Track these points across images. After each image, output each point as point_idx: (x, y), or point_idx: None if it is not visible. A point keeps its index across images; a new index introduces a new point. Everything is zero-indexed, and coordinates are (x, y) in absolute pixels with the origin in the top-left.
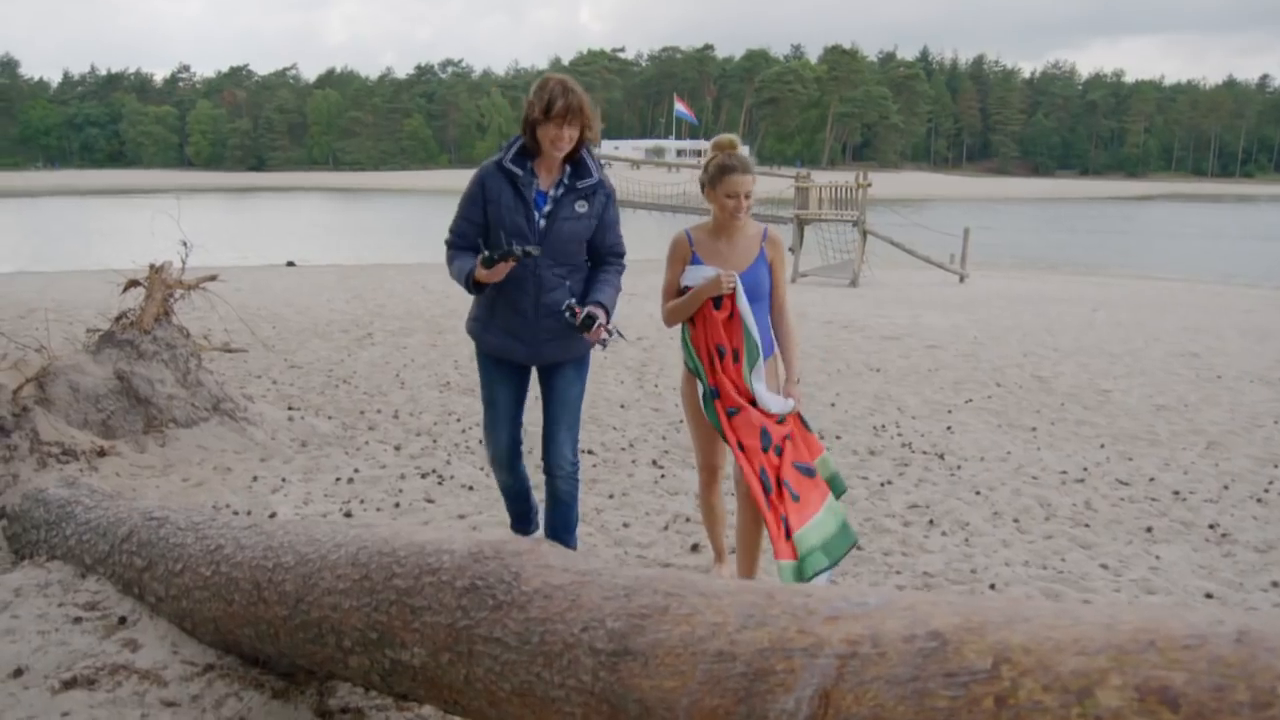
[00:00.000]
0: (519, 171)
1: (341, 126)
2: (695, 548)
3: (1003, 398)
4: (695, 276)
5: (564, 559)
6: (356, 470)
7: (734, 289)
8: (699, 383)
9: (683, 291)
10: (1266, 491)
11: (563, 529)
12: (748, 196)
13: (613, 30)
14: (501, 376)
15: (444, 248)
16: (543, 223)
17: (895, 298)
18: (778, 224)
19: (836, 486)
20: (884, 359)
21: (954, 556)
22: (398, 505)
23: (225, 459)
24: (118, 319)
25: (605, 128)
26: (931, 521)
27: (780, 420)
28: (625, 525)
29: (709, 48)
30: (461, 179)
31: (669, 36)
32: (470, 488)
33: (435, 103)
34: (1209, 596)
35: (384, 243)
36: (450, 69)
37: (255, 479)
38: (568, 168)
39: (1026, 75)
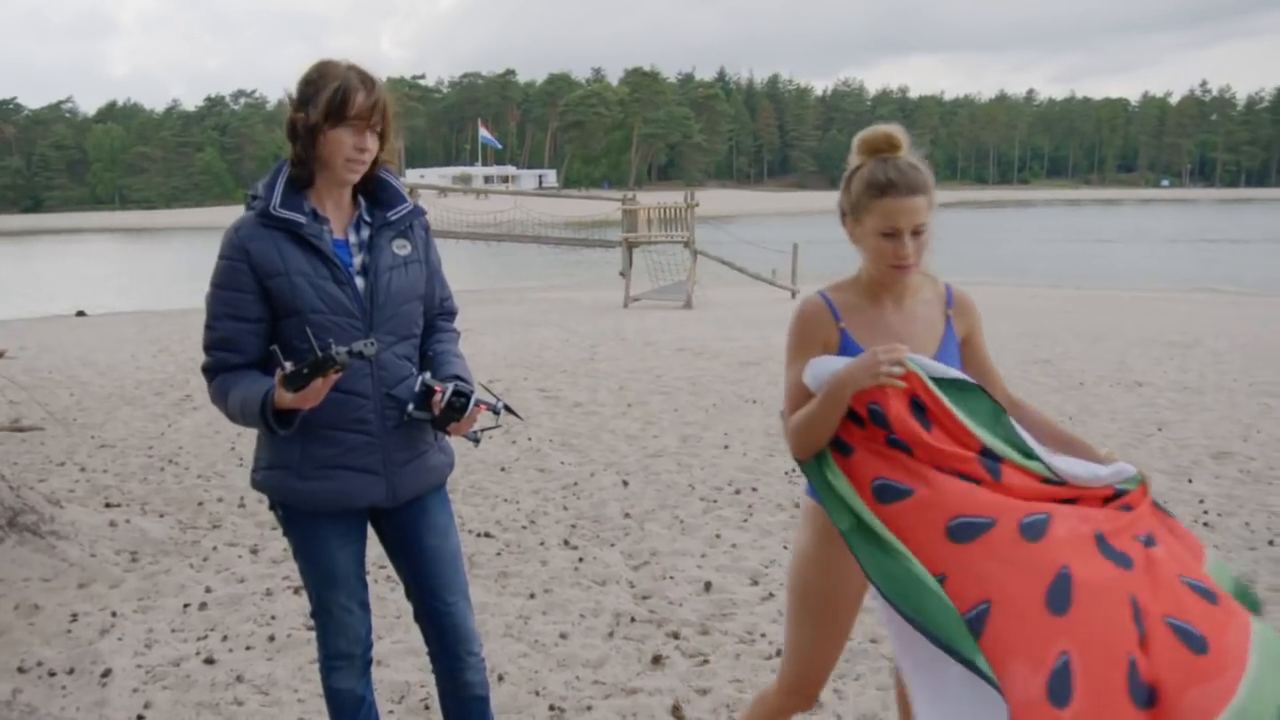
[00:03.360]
0: (299, 218)
1: (127, 162)
2: (657, 660)
3: None
4: (826, 368)
5: None
6: (209, 589)
7: (902, 370)
8: (855, 543)
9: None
10: (1203, 506)
11: None
12: (917, 233)
13: (414, 58)
14: (343, 540)
15: (205, 375)
16: (361, 283)
17: (736, 318)
18: (605, 248)
19: (1248, 600)
20: (754, 388)
21: None
22: (272, 639)
23: (30, 592)
24: None
25: (409, 156)
26: None
27: (1119, 499)
28: (563, 637)
29: (511, 73)
30: None
31: (472, 63)
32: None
33: (229, 135)
34: None
35: (184, 286)
36: (243, 99)
37: (75, 617)
38: (361, 199)
39: (819, 93)
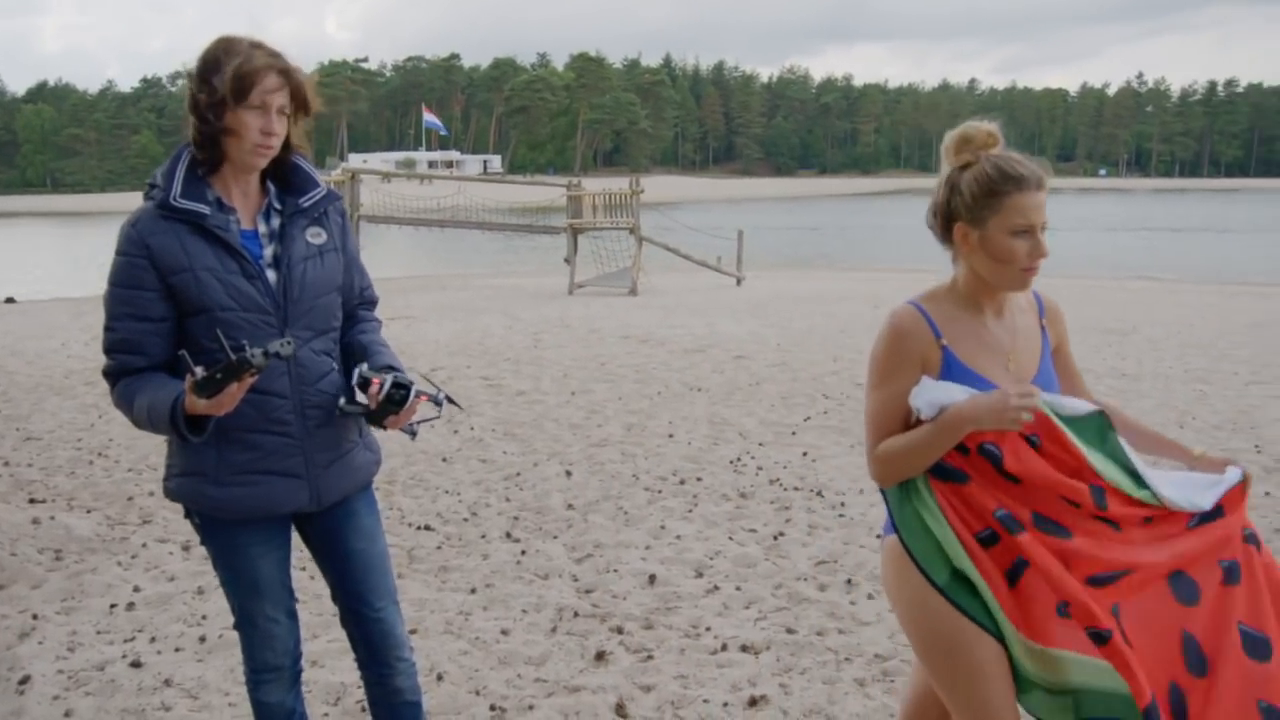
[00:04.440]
0: (203, 209)
1: (59, 145)
2: (601, 656)
3: (838, 412)
4: (941, 395)
5: None
6: (137, 589)
7: (1032, 417)
8: (957, 597)
9: (916, 423)
10: None
11: None
12: (1041, 230)
13: (359, 40)
14: (265, 548)
15: (107, 380)
16: (273, 276)
17: (681, 305)
18: (550, 234)
19: None
20: (699, 376)
21: (893, 626)
22: (203, 640)
23: None
24: None
25: (352, 140)
26: (849, 581)
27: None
28: (504, 633)
29: (455, 57)
30: None
31: (416, 46)
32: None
33: (167, 118)
34: None
35: None
36: (181, 81)
37: None
38: (270, 185)
39: (765, 80)
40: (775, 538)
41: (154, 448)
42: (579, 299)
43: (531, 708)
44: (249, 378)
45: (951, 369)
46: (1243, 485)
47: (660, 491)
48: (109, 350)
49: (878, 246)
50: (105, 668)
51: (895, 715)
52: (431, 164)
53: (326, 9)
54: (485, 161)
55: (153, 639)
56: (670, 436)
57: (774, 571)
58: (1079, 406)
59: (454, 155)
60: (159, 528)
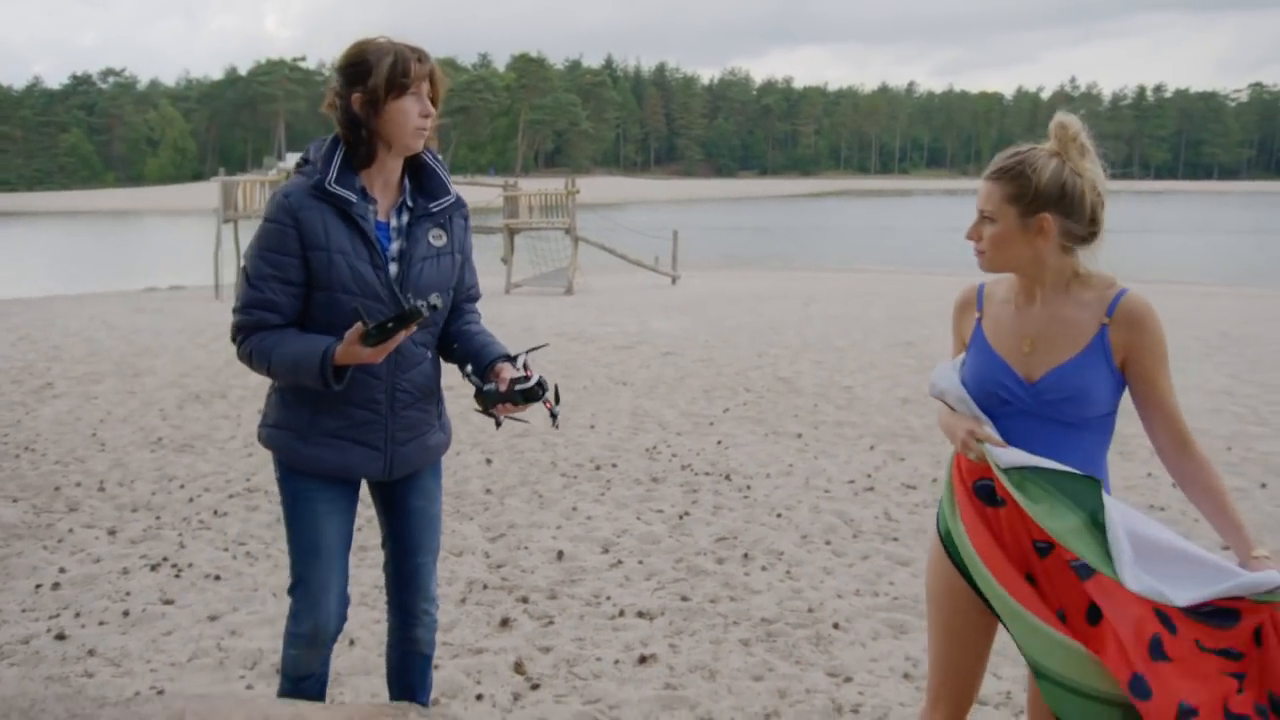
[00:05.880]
0: (351, 196)
1: None
2: (505, 622)
3: (757, 403)
4: (938, 378)
5: None
6: (63, 570)
7: (985, 456)
8: (953, 534)
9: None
10: None
11: (421, 692)
12: (979, 215)
13: (299, 38)
14: (331, 507)
15: (237, 335)
16: (394, 269)
17: (615, 304)
18: (487, 234)
19: None
20: (626, 371)
21: (783, 594)
22: (127, 614)
23: None
24: None
25: (290, 140)
26: (746, 555)
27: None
28: None
29: None
30: (136, 198)
31: None
32: (216, 577)
33: (97, 115)
34: None
35: (49, 272)
36: (112, 78)
37: None
38: (407, 182)
39: (706, 82)
40: (681, 517)
41: (81, 442)
42: (515, 298)
43: (436, 667)
44: (412, 328)
45: (976, 341)
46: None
47: (576, 477)
48: (248, 306)
49: (823, 247)
50: (30, 641)
51: (774, 669)
52: None
53: (266, 6)
54: None
55: (77, 614)
56: (591, 427)
57: (676, 548)
58: (1039, 461)
59: None
60: (86, 515)
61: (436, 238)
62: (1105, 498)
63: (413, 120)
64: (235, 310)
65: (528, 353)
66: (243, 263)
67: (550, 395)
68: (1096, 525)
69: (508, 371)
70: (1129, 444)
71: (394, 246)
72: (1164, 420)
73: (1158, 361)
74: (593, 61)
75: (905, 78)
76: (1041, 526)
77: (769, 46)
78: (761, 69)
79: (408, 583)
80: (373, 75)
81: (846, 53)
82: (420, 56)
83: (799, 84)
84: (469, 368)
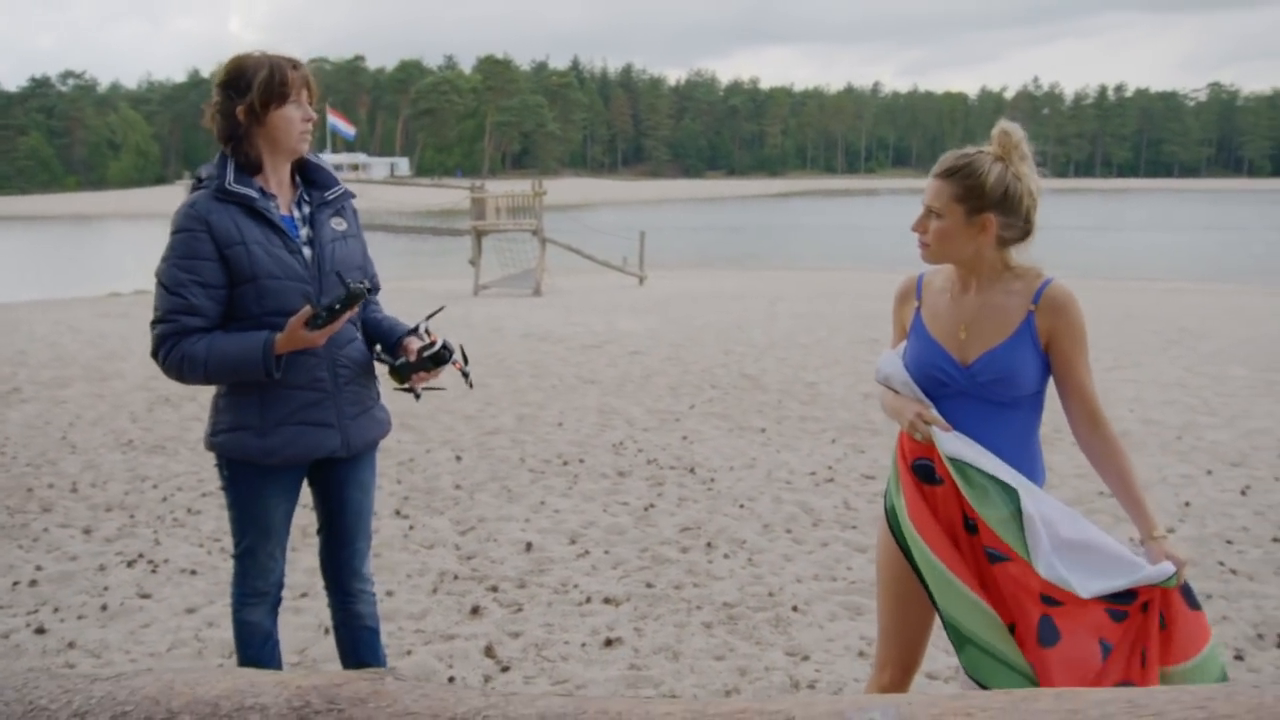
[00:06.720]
0: (252, 192)
1: None
2: (476, 610)
3: (723, 400)
4: (883, 364)
5: (429, 699)
6: (39, 568)
7: (930, 437)
8: (896, 512)
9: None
10: None
11: (375, 664)
12: (925, 209)
13: (265, 40)
14: (281, 492)
15: (161, 345)
16: (308, 253)
17: (583, 304)
18: (455, 236)
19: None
20: (594, 369)
21: (744, 580)
22: (104, 608)
23: None
24: None
25: None
26: (709, 544)
27: (1138, 605)
28: (389, 594)
29: (359, 58)
30: (98, 202)
31: (323, 46)
32: (193, 571)
33: (56, 118)
34: None
35: (10, 277)
36: (72, 81)
37: None
38: (298, 179)
39: (673, 83)
40: (646, 509)
41: (52, 445)
42: (483, 300)
43: (409, 653)
44: (353, 309)
45: (915, 329)
46: (1165, 592)
47: (544, 473)
48: (168, 314)
49: (791, 247)
50: (10, 636)
51: (734, 650)
52: (337, 167)
53: (230, 8)
54: (393, 164)
55: (56, 609)
56: (560, 425)
57: (641, 538)
58: (999, 470)
59: (360, 158)
60: (60, 515)
61: (338, 224)
62: (1024, 497)
63: (296, 125)
64: (154, 322)
65: (427, 319)
66: (156, 277)
67: (458, 356)
68: (1019, 517)
69: (414, 343)
70: None
71: (303, 233)
72: (1079, 400)
73: (1076, 345)
74: (559, 63)
75: (871, 78)
76: (974, 509)
77: (735, 47)
78: (728, 70)
79: (343, 567)
80: (252, 88)
81: (812, 53)
82: (294, 64)
83: (765, 85)
84: (378, 348)
